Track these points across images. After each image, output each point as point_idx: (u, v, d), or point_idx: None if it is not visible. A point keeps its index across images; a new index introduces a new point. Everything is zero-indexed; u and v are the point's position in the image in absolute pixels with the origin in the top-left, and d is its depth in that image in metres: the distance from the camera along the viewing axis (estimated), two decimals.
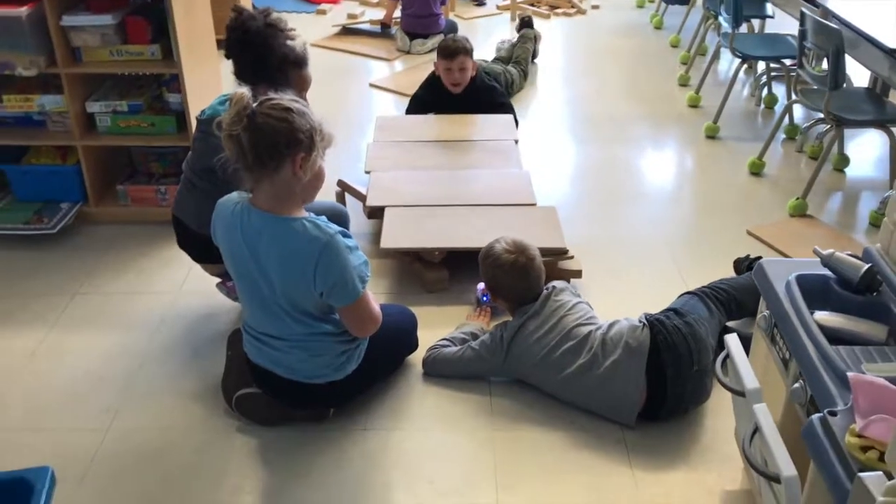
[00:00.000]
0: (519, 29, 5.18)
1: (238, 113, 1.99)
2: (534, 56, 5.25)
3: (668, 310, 2.45)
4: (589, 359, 2.32)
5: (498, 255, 2.50)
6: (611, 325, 2.39)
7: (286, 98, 2.07)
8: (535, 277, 2.50)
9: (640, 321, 2.37)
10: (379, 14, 5.96)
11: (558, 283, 2.55)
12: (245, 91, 2.03)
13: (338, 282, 2.11)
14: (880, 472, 1.29)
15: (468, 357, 2.48)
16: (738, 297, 2.58)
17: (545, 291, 2.49)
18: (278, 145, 2.02)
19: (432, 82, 4.11)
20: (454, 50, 3.95)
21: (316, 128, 2.07)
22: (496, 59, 4.94)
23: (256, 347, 2.28)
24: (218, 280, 2.82)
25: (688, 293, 2.56)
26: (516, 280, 2.49)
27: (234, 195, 2.20)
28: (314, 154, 2.08)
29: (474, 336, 2.57)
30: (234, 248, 2.17)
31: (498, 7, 6.40)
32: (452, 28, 5.67)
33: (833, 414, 1.48)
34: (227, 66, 2.61)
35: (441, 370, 2.52)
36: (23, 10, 2.94)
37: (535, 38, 5.18)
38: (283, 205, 2.11)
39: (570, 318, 2.41)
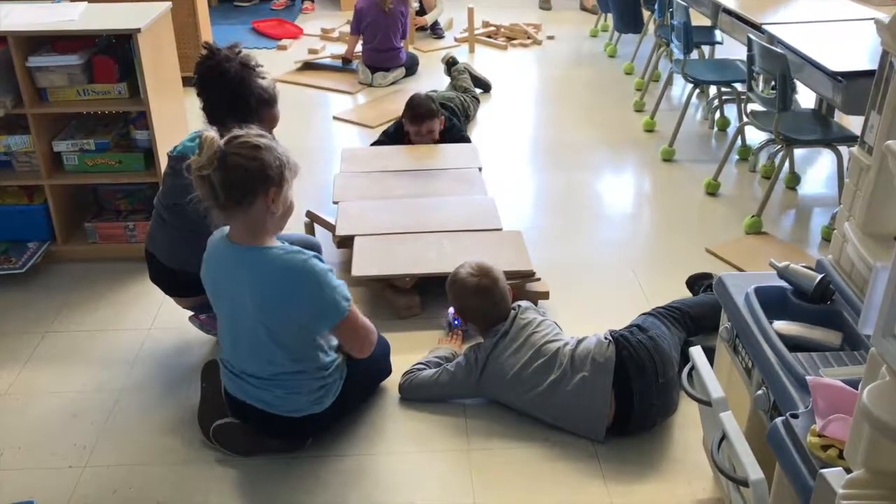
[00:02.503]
0: (448, 72, 5.29)
1: (210, 156, 2.02)
2: (488, 87, 5.36)
3: (632, 326, 2.53)
4: (559, 375, 2.38)
5: (463, 279, 2.58)
6: (579, 342, 2.46)
7: (253, 134, 2.10)
8: (500, 297, 2.57)
9: (606, 338, 2.45)
10: (340, 48, 6.03)
11: (523, 303, 2.64)
12: (214, 133, 2.06)
13: (320, 302, 2.15)
14: (840, 468, 1.36)
15: (444, 380, 2.53)
16: (693, 315, 2.67)
17: (512, 311, 2.56)
18: (250, 183, 2.06)
19: (398, 131, 4.16)
20: (422, 115, 4.02)
21: (284, 161, 2.11)
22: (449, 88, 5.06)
23: (234, 382, 2.31)
24: (190, 314, 2.84)
25: (645, 314, 2.64)
26: (481, 301, 2.56)
27: (219, 231, 2.24)
28: (285, 188, 2.13)
29: (447, 360, 2.63)
30: (217, 282, 2.22)
31: (456, 39, 6.52)
32: (413, 61, 5.77)
33: (795, 416, 1.55)
34: (193, 102, 2.64)
35: (418, 394, 2.56)
36: None
37: (468, 69, 5.28)
38: (256, 237, 2.15)
39: (539, 334, 2.48)
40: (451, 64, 5.31)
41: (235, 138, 2.08)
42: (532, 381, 2.41)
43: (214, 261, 2.23)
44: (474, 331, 2.68)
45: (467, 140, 4.22)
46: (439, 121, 4.08)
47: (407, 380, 2.58)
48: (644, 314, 2.63)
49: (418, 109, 4.04)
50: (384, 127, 4.51)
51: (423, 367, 2.61)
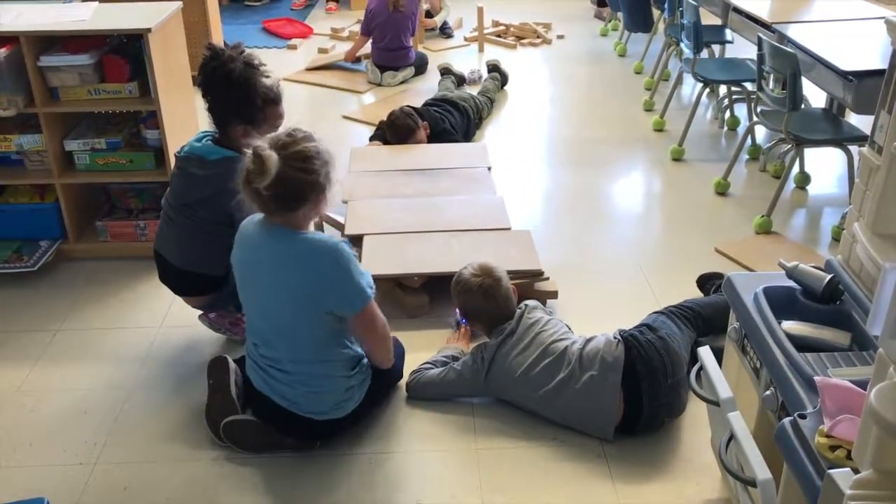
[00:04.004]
0: (490, 71, 5.34)
1: (272, 177, 2.04)
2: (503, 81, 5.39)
3: (642, 325, 2.52)
4: (567, 374, 2.38)
5: (466, 280, 2.60)
6: (587, 341, 2.46)
7: (301, 138, 2.12)
8: (504, 297, 2.57)
9: (615, 337, 2.45)
10: (349, 47, 6.06)
11: (530, 302, 2.64)
12: (268, 149, 2.07)
13: (349, 285, 2.19)
14: (848, 469, 1.36)
15: (450, 378, 2.53)
16: (704, 315, 2.66)
17: (519, 310, 2.56)
18: (304, 195, 2.13)
19: (386, 132, 4.19)
20: (403, 135, 4.08)
21: (329, 162, 2.17)
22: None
23: (260, 376, 2.33)
24: (199, 312, 2.85)
25: (656, 312, 2.63)
26: (485, 301, 2.56)
27: (252, 217, 2.29)
28: (329, 189, 2.19)
29: (455, 359, 2.63)
30: (249, 264, 2.27)
31: (465, 38, 6.52)
32: (423, 60, 5.77)
33: (803, 417, 1.55)
34: (203, 101, 2.65)
35: (425, 393, 2.57)
36: (0, 52, 2.98)
37: (496, 80, 5.30)
38: (296, 228, 2.22)
39: (546, 333, 2.48)
40: (445, 73, 5.38)
41: (287, 147, 2.09)
42: (540, 381, 2.41)
43: (249, 245, 2.28)
44: (480, 331, 2.68)
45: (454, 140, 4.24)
46: (422, 128, 4.11)
47: (414, 378, 2.58)
48: (655, 313, 2.63)
49: (398, 130, 4.09)
50: None
51: (430, 366, 2.62)
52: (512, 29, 6.68)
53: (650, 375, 2.34)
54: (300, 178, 2.10)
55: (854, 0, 4.39)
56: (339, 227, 3.39)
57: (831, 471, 1.36)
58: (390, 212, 3.39)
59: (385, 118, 4.29)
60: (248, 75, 2.55)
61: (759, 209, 3.68)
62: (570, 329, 2.59)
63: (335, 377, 2.29)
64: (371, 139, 4.34)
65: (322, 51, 6.11)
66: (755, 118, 3.92)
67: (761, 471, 1.62)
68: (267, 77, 2.62)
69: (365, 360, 2.38)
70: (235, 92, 2.54)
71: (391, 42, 5.51)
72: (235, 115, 2.56)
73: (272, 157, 2.05)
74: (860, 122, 3.85)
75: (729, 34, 4.90)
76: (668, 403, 2.39)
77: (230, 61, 2.54)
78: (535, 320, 2.53)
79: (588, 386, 2.36)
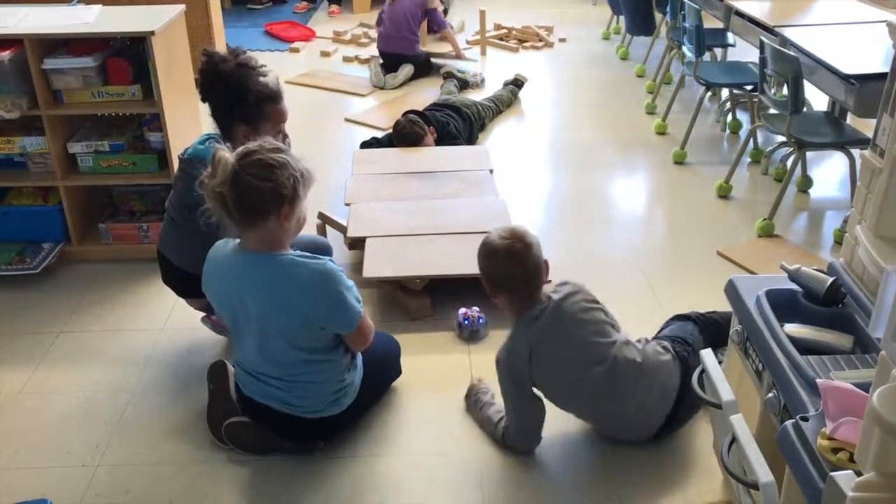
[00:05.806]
0: (512, 82, 5.33)
1: (224, 176, 2.02)
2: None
3: (688, 345, 2.38)
4: (628, 388, 2.26)
5: (491, 241, 2.29)
6: (639, 350, 2.31)
7: (267, 150, 2.08)
8: (533, 267, 2.26)
9: (670, 352, 2.33)
10: (352, 51, 6.10)
11: (570, 285, 2.38)
12: (226, 152, 2.05)
13: (339, 308, 2.17)
14: (850, 471, 1.36)
15: (510, 411, 2.35)
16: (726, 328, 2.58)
17: (555, 295, 2.32)
18: (263, 203, 2.07)
19: (391, 142, 4.19)
20: (412, 142, 4.05)
21: (298, 177, 2.10)
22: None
23: (252, 384, 2.32)
24: (202, 314, 2.86)
25: (684, 318, 2.54)
26: (510, 267, 2.25)
27: (224, 242, 2.24)
28: (297, 204, 2.14)
29: (486, 392, 2.53)
30: (227, 291, 2.22)
31: (468, 42, 6.52)
32: (425, 60, 5.78)
33: (805, 419, 1.55)
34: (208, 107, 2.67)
35: (526, 440, 2.38)
36: (5, 55, 2.99)
37: (513, 93, 5.29)
38: (271, 247, 2.16)
39: (588, 329, 2.29)
40: (448, 76, 5.41)
41: (248, 156, 2.06)
42: (588, 386, 2.26)
43: (223, 269, 2.22)
44: (505, 308, 2.36)
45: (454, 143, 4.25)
46: (430, 132, 4.11)
47: (504, 438, 2.39)
48: (682, 318, 2.54)
49: (406, 138, 4.06)
50: None
51: (494, 408, 2.46)
52: (514, 32, 6.69)
53: (689, 400, 2.30)
54: (256, 186, 2.03)
55: (856, 4, 4.39)
56: (342, 229, 3.40)
57: (833, 473, 1.36)
58: (392, 214, 3.39)
59: (377, 122, 4.28)
60: (241, 74, 2.55)
61: (761, 212, 3.68)
62: (615, 321, 2.38)
63: (326, 379, 2.28)
64: (362, 146, 4.30)
65: (325, 54, 6.14)
66: (757, 121, 3.92)
67: (763, 473, 1.62)
68: (263, 76, 2.62)
69: (356, 359, 2.37)
70: (229, 90, 2.54)
71: (390, 29, 5.59)
72: (232, 114, 2.57)
73: (226, 159, 2.03)
74: (862, 125, 3.85)
75: (731, 37, 4.90)
76: (680, 420, 2.39)
77: (221, 62, 2.55)
78: (572, 312, 2.29)
79: (644, 401, 2.28)
